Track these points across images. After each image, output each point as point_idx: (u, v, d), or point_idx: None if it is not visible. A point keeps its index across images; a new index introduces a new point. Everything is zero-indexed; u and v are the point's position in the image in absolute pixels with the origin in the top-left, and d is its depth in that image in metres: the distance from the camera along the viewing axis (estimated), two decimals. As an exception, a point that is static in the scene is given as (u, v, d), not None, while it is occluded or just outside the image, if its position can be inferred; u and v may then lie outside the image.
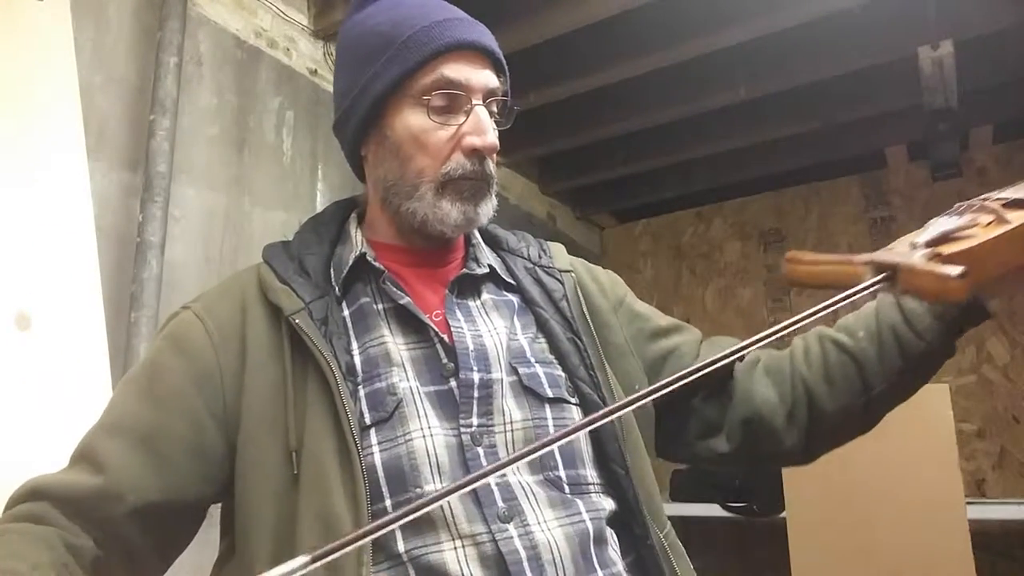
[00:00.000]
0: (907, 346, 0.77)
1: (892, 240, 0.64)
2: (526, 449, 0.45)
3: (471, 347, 0.76)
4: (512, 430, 0.73)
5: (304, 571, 0.37)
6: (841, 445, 0.85)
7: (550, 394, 0.76)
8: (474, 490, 0.69)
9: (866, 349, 0.80)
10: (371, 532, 0.40)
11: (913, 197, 3.17)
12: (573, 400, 0.78)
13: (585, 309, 0.85)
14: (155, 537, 0.73)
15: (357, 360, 0.75)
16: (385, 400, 0.72)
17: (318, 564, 0.38)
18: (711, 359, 0.49)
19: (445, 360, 0.75)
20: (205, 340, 0.76)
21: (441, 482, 0.69)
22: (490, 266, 0.85)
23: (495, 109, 0.81)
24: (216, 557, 0.76)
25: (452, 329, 0.77)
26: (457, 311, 0.80)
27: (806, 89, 2.51)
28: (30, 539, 0.66)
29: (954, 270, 0.51)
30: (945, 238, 0.58)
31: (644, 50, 2.24)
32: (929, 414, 2.00)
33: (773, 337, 0.49)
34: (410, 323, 0.78)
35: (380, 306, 0.79)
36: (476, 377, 0.74)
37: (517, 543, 0.66)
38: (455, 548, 0.66)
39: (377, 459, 0.69)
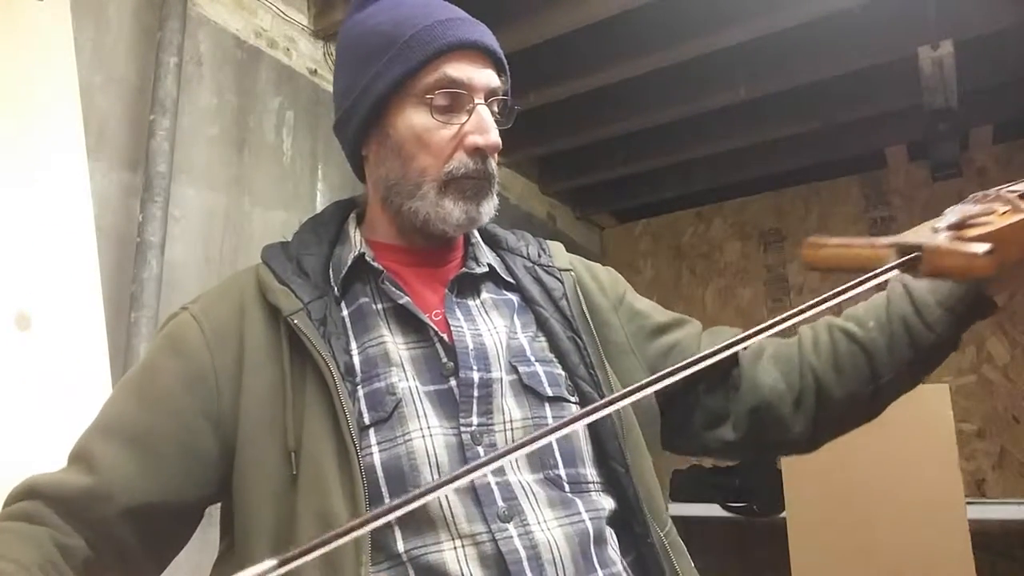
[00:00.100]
0: (917, 337, 0.78)
1: None
2: (522, 441, 0.45)
3: (471, 346, 0.76)
4: (512, 429, 0.73)
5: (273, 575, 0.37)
6: (845, 432, 0.86)
7: (550, 393, 0.76)
8: (474, 489, 0.69)
9: (876, 339, 0.80)
10: (340, 536, 0.40)
11: (913, 197, 3.17)
12: (573, 399, 0.78)
13: (585, 308, 0.85)
14: (147, 538, 0.73)
15: (356, 360, 0.75)
16: (384, 400, 0.72)
17: (284, 569, 0.38)
18: (710, 351, 0.49)
19: (445, 359, 0.75)
20: (200, 341, 0.76)
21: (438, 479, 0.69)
22: (489, 265, 0.85)
23: (496, 109, 0.81)
24: (216, 557, 0.76)
25: (452, 328, 0.77)
26: (457, 310, 0.80)
27: (806, 89, 2.51)
28: (20, 538, 0.67)
29: (981, 247, 0.52)
30: (964, 223, 0.60)
31: (644, 50, 2.24)
32: (929, 414, 2.00)
33: (777, 328, 0.49)
34: (409, 323, 0.78)
35: (379, 306, 0.79)
36: (476, 376, 0.74)
37: (517, 543, 0.66)
38: (455, 548, 0.66)
39: (376, 459, 0.69)
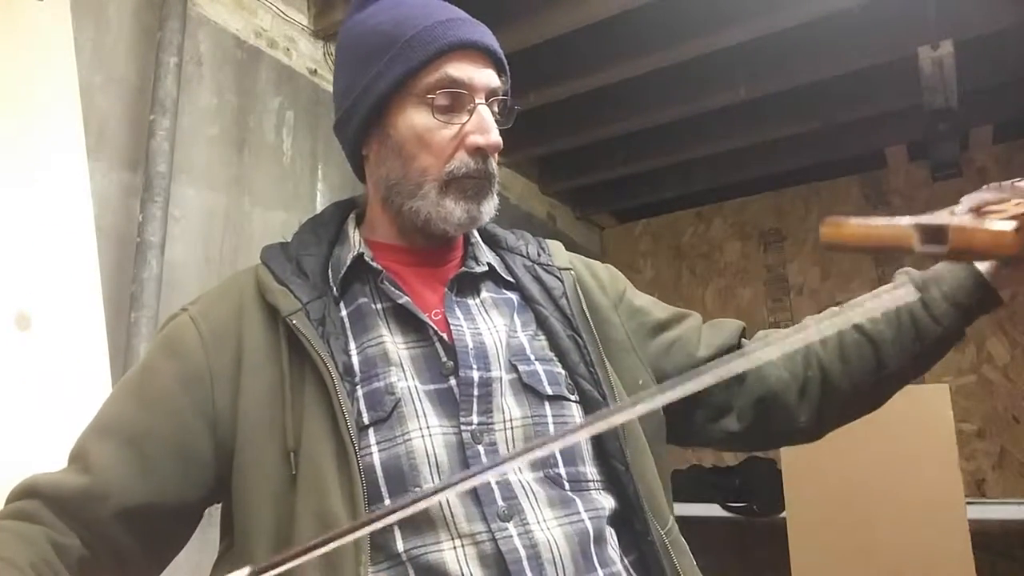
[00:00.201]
0: (924, 330, 0.80)
1: None
2: (522, 448, 0.45)
3: (470, 345, 0.76)
4: (512, 427, 0.73)
5: None
6: (848, 422, 0.88)
7: (550, 391, 0.76)
8: (474, 489, 0.69)
9: (883, 331, 0.82)
10: (327, 542, 0.40)
11: (913, 197, 3.17)
12: (573, 397, 0.78)
13: (585, 306, 0.85)
14: (143, 538, 0.73)
15: (355, 360, 0.75)
16: (383, 400, 0.72)
17: None
18: (717, 369, 0.46)
19: (444, 358, 0.75)
20: (196, 342, 0.76)
21: (440, 482, 0.69)
22: (489, 264, 0.85)
23: (496, 109, 0.82)
24: (216, 557, 0.76)
25: (451, 327, 0.77)
26: (456, 309, 0.80)
27: (806, 89, 2.51)
28: (15, 536, 0.67)
29: (1008, 224, 0.53)
30: (981, 209, 0.62)
31: (644, 50, 2.24)
32: (929, 414, 2.00)
33: (790, 348, 0.49)
34: (409, 322, 0.78)
35: (378, 306, 0.79)
36: (476, 375, 0.74)
37: (517, 542, 0.66)
38: (454, 547, 0.66)
39: (376, 459, 0.69)
